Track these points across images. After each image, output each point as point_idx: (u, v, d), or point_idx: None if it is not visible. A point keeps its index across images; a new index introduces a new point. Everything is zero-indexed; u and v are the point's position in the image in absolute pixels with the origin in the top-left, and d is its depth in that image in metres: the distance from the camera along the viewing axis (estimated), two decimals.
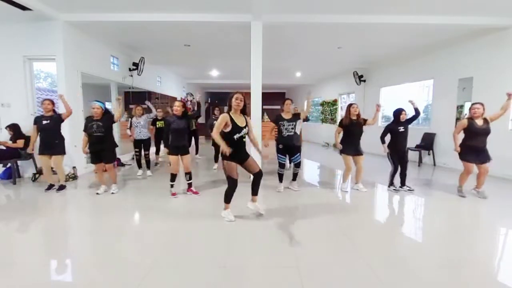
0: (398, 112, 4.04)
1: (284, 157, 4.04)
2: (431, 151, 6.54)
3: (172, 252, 2.30)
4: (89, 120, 3.77)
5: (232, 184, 2.88)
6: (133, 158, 7.01)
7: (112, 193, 3.93)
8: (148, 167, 5.26)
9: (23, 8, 4.07)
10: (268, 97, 16.52)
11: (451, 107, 6.19)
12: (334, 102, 11.11)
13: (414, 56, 7.09)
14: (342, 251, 2.34)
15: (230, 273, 1.99)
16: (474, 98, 5.59)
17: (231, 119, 2.73)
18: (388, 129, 4.09)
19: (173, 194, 3.81)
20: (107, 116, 3.83)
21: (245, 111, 2.90)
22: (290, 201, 3.71)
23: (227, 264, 2.09)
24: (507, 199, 3.88)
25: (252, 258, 2.24)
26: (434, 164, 6.48)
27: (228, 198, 2.95)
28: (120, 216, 3.17)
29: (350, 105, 4.02)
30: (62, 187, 4.10)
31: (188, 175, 3.91)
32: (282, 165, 4.07)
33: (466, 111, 6.06)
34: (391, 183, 4.19)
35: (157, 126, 5.93)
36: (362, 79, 9.07)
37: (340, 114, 11.04)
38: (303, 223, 2.97)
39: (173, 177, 3.82)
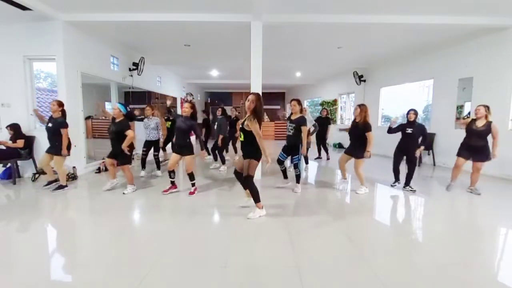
0: (407, 112, 4.17)
1: (283, 154, 4.18)
2: (430, 151, 6.54)
3: (173, 252, 2.31)
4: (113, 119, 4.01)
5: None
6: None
7: (124, 193, 3.94)
8: (158, 167, 5.25)
9: (23, 8, 4.07)
10: (268, 97, 16.61)
11: (451, 107, 6.19)
12: (334, 102, 11.11)
13: (414, 56, 7.09)
14: (343, 251, 2.35)
15: (230, 273, 1.99)
16: (474, 98, 5.60)
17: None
18: (399, 126, 4.23)
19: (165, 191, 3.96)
20: (122, 121, 3.91)
21: (255, 112, 2.83)
22: (290, 201, 3.71)
23: (228, 264, 2.09)
24: (507, 199, 3.89)
25: (252, 258, 2.24)
26: (434, 164, 6.48)
27: (258, 196, 3.00)
28: (121, 216, 3.17)
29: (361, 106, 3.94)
30: (61, 187, 4.08)
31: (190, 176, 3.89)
32: (279, 162, 4.24)
33: (466, 111, 6.07)
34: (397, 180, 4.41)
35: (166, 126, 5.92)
36: (362, 79, 9.07)
37: (340, 114, 11.06)
38: (304, 223, 2.97)
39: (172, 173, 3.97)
